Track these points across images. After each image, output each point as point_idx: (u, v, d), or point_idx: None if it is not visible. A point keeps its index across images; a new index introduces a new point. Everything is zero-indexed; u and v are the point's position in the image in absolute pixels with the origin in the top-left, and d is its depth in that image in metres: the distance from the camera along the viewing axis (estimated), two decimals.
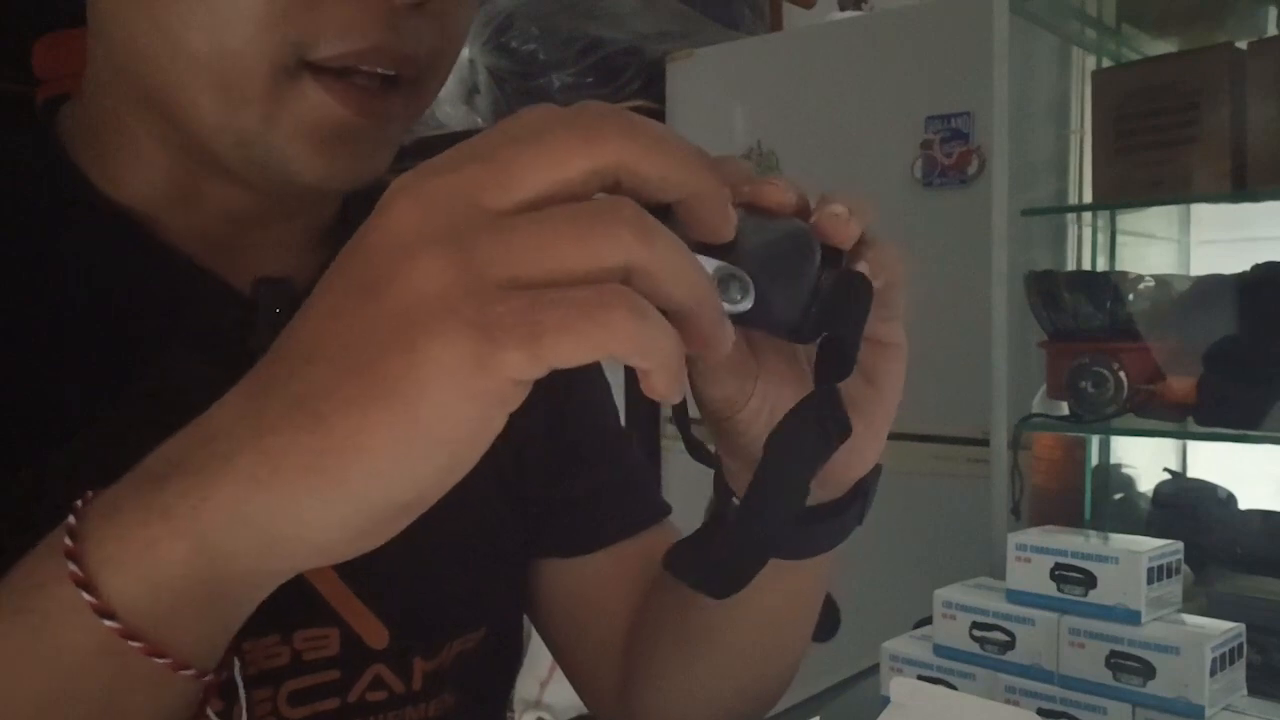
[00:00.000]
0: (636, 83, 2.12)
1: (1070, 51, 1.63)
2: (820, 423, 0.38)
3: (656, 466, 1.69)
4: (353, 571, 0.52)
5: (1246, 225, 1.64)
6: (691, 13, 2.27)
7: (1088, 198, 1.56)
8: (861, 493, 0.46)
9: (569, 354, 0.28)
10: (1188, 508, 1.50)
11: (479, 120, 2.21)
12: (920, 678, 0.83)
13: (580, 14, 2.13)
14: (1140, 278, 1.51)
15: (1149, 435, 1.53)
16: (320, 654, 0.51)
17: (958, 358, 1.55)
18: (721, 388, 0.42)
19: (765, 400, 0.42)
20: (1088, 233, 1.70)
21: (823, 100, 1.93)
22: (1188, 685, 0.72)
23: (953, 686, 0.81)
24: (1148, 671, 0.73)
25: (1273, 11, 1.53)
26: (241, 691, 0.44)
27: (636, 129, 0.30)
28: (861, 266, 0.38)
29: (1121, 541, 0.81)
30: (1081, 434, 1.58)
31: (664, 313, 0.29)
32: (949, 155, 1.77)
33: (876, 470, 0.46)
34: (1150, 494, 1.59)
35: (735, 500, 0.45)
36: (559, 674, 0.72)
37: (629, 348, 0.28)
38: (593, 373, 0.69)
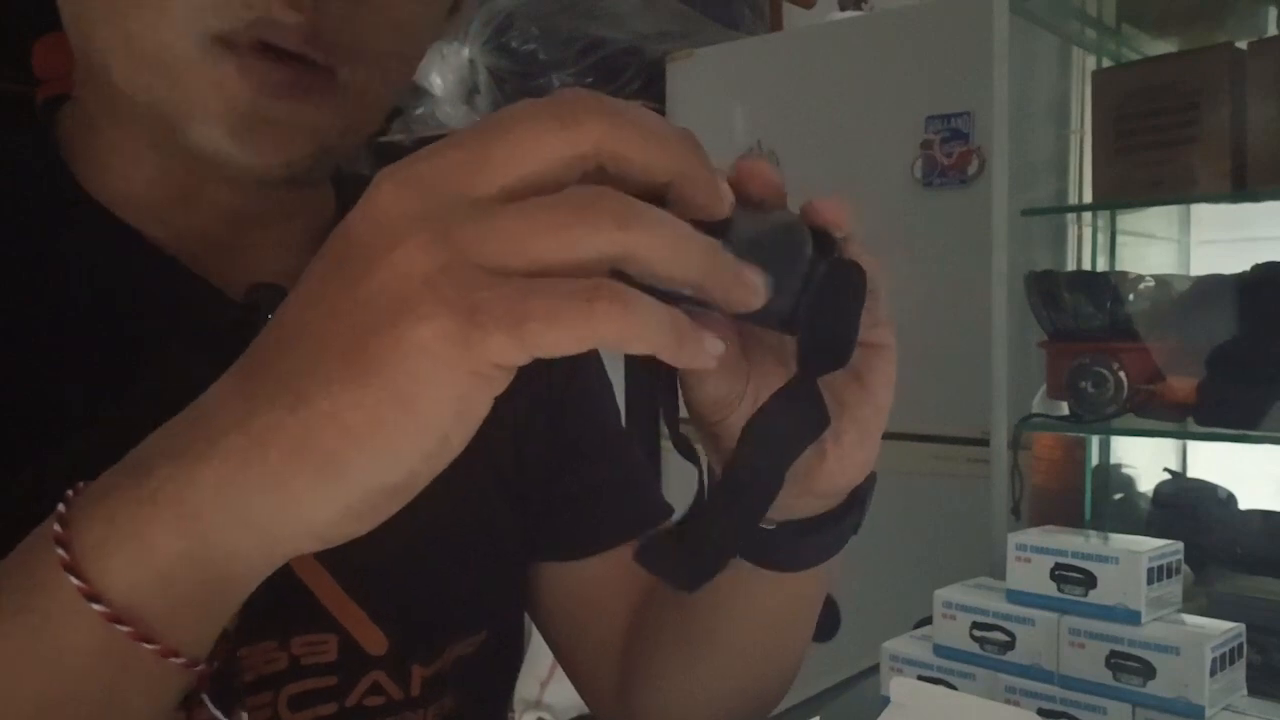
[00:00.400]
0: (636, 83, 2.12)
1: (1070, 51, 1.63)
2: (798, 412, 0.37)
3: (657, 466, 1.69)
4: (352, 577, 0.52)
5: (1246, 225, 1.65)
6: (691, 13, 2.27)
7: (1088, 198, 1.56)
8: (858, 502, 0.46)
9: (553, 343, 0.28)
10: (1188, 508, 1.50)
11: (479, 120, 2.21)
12: (920, 678, 0.83)
13: (580, 14, 2.13)
14: (1140, 278, 1.51)
15: (1149, 435, 1.53)
16: (318, 659, 0.51)
17: (958, 358, 1.56)
18: (713, 389, 0.42)
19: (755, 405, 0.42)
20: (1088, 233, 1.70)
21: (823, 100, 1.93)
22: (1188, 685, 0.72)
23: (953, 686, 0.81)
24: (1148, 671, 0.73)
25: (1273, 11, 1.53)
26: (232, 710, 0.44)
27: (615, 112, 0.30)
28: (853, 255, 0.37)
29: (1121, 541, 0.81)
30: (1081, 434, 1.58)
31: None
32: (949, 155, 1.77)
33: (872, 478, 0.46)
34: (1150, 494, 1.59)
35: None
36: (559, 674, 0.72)
37: (614, 337, 0.28)
38: (593, 371, 0.69)
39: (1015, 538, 0.83)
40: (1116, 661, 0.75)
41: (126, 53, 0.46)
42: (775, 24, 2.63)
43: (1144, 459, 1.71)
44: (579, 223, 0.28)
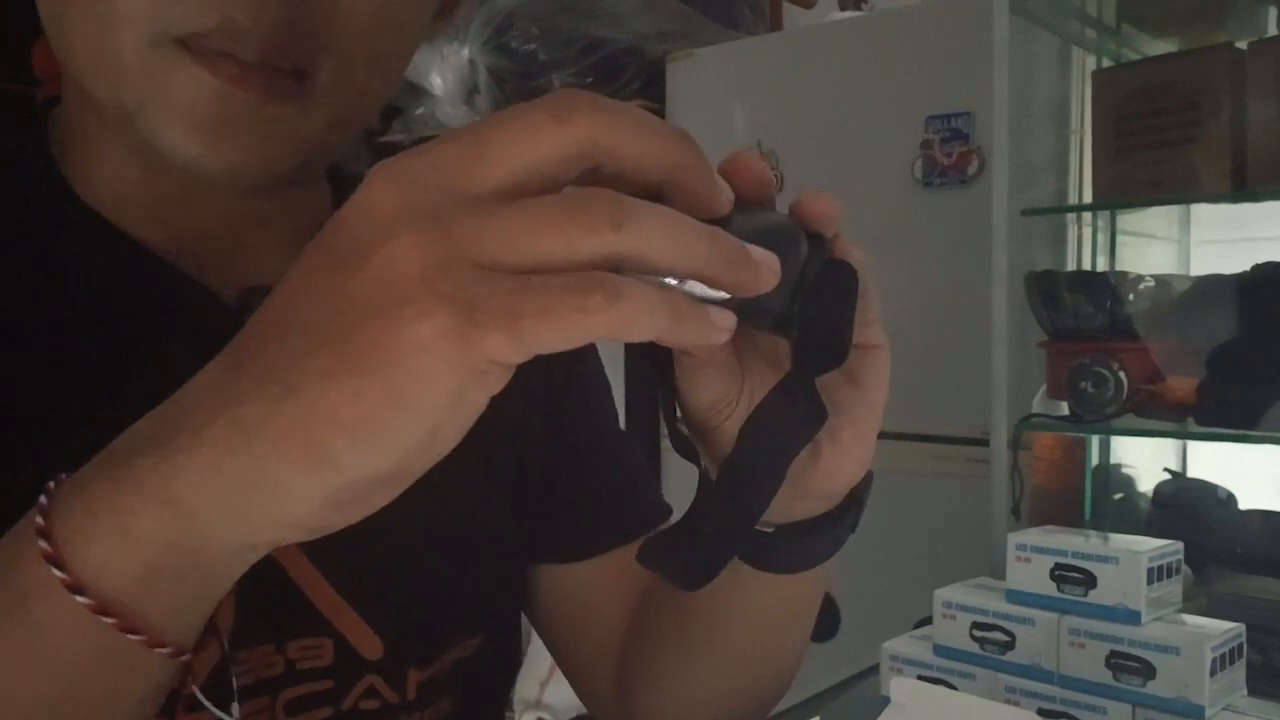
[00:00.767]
0: (636, 83, 2.12)
1: (1070, 51, 1.63)
2: (796, 408, 0.37)
3: (656, 467, 1.70)
4: (347, 581, 0.52)
5: (1246, 225, 1.65)
6: (691, 13, 2.27)
7: (1088, 198, 1.56)
8: (855, 502, 0.46)
9: (551, 339, 0.28)
10: (1188, 508, 1.50)
11: None
12: (920, 678, 0.83)
13: (580, 14, 2.13)
14: (1140, 278, 1.51)
15: (1149, 435, 1.53)
16: (314, 664, 0.51)
17: (958, 358, 1.56)
18: (708, 393, 0.41)
19: (751, 408, 0.42)
20: (1088, 233, 1.70)
21: (823, 100, 1.93)
22: (1188, 685, 0.72)
23: (953, 686, 0.81)
24: (1148, 671, 0.73)
25: (1273, 11, 1.53)
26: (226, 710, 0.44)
27: (610, 111, 0.30)
28: (844, 255, 0.37)
29: (1121, 541, 0.81)
30: (1081, 434, 1.58)
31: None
32: (949, 155, 1.77)
33: (868, 478, 0.46)
34: (1150, 494, 1.59)
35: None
36: (559, 674, 0.72)
37: (612, 329, 0.28)
38: (592, 372, 0.69)
39: (1015, 538, 0.83)
40: (1116, 661, 0.75)
41: (88, 58, 0.46)
42: (775, 24, 2.63)
43: (1144, 459, 1.71)
44: (574, 224, 0.28)
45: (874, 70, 1.87)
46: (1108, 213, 1.67)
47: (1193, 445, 1.70)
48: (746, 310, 0.33)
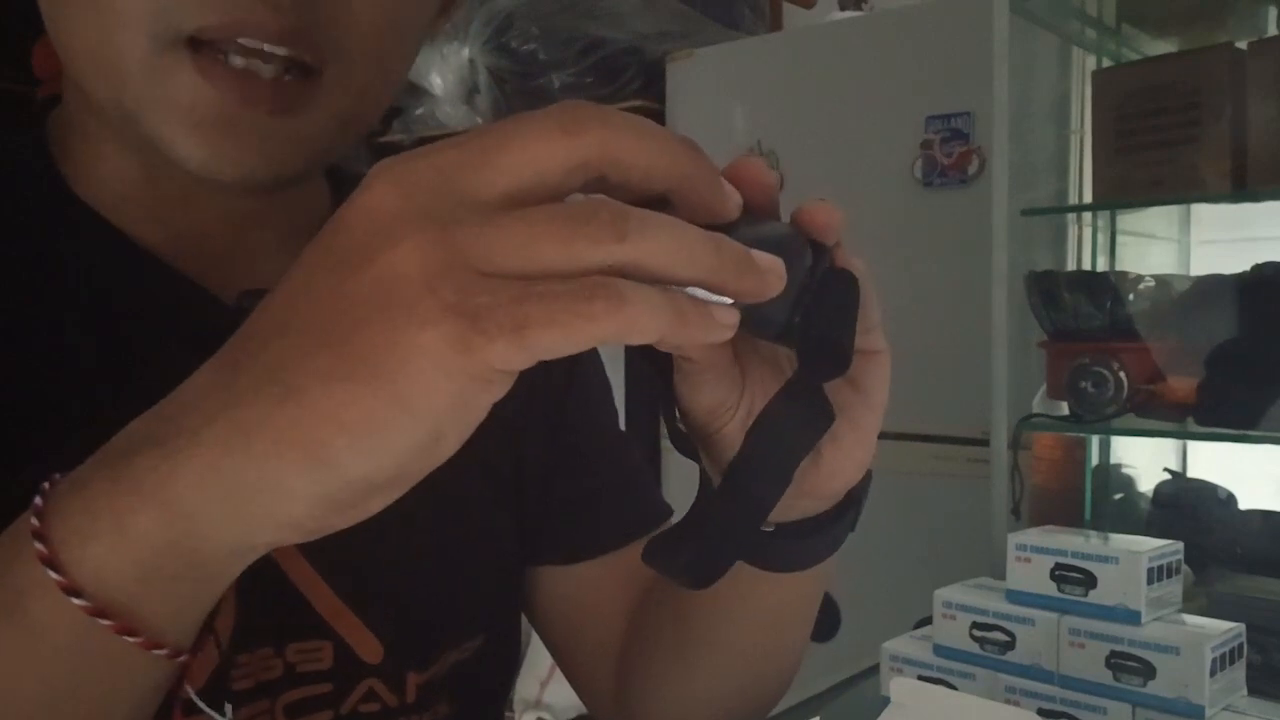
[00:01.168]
0: (636, 83, 2.12)
1: (1070, 51, 1.63)
2: (803, 411, 0.38)
3: (657, 467, 1.70)
4: (347, 584, 0.52)
5: (1246, 225, 1.65)
6: (691, 13, 2.27)
7: (1088, 198, 1.56)
8: (854, 501, 0.46)
9: (554, 346, 0.28)
10: (1188, 508, 1.50)
11: (479, 120, 2.21)
12: (920, 678, 0.83)
13: (580, 14, 2.13)
14: (1140, 278, 1.51)
15: (1149, 435, 1.53)
16: (312, 667, 0.51)
17: (958, 358, 1.56)
18: (708, 398, 0.42)
19: (751, 414, 0.42)
20: (1088, 233, 1.70)
21: (823, 100, 1.93)
22: (1188, 685, 0.72)
23: (953, 686, 0.81)
24: (1148, 671, 0.73)
25: (1273, 11, 1.53)
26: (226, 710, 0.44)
27: (616, 121, 0.30)
28: (845, 264, 0.37)
29: (1121, 541, 0.81)
30: (1081, 434, 1.58)
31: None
32: (949, 155, 1.77)
33: (867, 478, 0.46)
34: (1150, 494, 1.59)
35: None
36: (559, 674, 0.72)
37: (615, 333, 0.28)
38: (592, 373, 0.69)
39: (1015, 538, 0.83)
40: (1116, 661, 0.75)
41: (89, 59, 0.45)
42: (775, 24, 2.63)
43: (1144, 459, 1.71)
44: (578, 236, 0.28)
45: (874, 70, 1.87)
46: (1108, 213, 1.67)
47: (1193, 445, 1.70)
48: (750, 319, 0.33)
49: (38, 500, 0.32)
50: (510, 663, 0.65)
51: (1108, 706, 0.75)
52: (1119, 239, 1.72)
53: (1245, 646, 0.76)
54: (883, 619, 1.01)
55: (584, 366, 0.68)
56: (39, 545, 0.31)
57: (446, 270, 0.28)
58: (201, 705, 0.37)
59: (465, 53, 2.17)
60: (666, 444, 0.43)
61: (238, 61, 0.44)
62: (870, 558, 1.11)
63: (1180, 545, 0.81)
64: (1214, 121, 1.32)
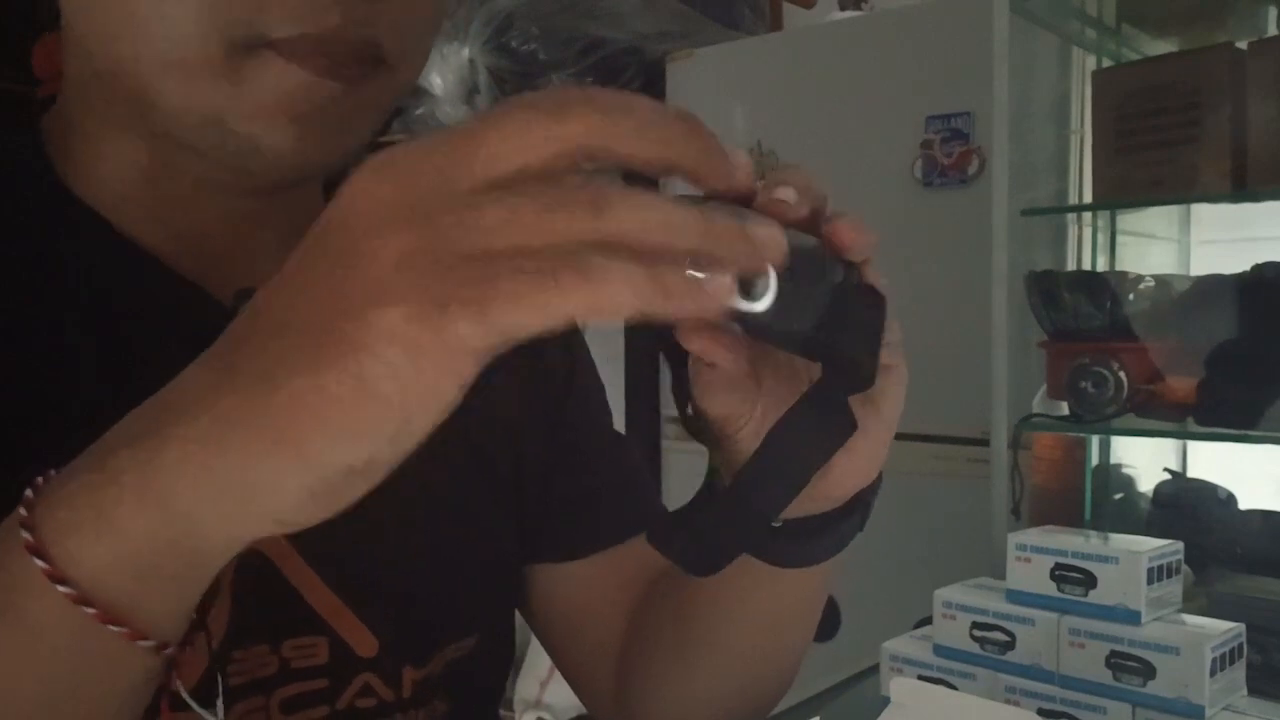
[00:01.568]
0: (636, 83, 2.12)
1: (1070, 51, 1.63)
2: (825, 419, 0.38)
3: (657, 467, 1.70)
4: (342, 579, 0.52)
5: (1246, 225, 1.65)
6: (691, 13, 2.27)
7: (1088, 198, 1.56)
8: (862, 503, 0.46)
9: (519, 323, 0.27)
10: (1188, 508, 1.50)
11: None
12: (920, 678, 0.83)
13: (580, 14, 2.13)
14: (1140, 278, 1.51)
15: (1149, 435, 1.53)
16: (308, 662, 0.51)
17: (958, 358, 1.55)
18: (721, 406, 0.42)
19: (766, 422, 0.42)
20: (1088, 233, 1.70)
21: (823, 100, 1.93)
22: (1188, 685, 0.72)
23: (953, 686, 0.81)
24: (1148, 671, 0.73)
25: (1273, 11, 1.53)
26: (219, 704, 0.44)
27: (605, 103, 0.29)
28: (871, 280, 0.38)
29: (1121, 541, 0.81)
30: (1081, 434, 1.58)
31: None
32: (949, 155, 1.77)
33: (878, 481, 0.46)
34: (1150, 494, 1.59)
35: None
36: (559, 674, 0.72)
37: (584, 308, 0.28)
38: (590, 373, 0.69)
39: (1015, 538, 0.83)
40: (1116, 661, 0.75)
41: (161, 66, 0.45)
42: (775, 24, 2.63)
43: (1144, 459, 1.71)
44: (554, 213, 0.28)
45: (874, 70, 1.87)
46: (1108, 213, 1.67)
47: (1193, 445, 1.70)
48: (776, 329, 0.33)
49: (28, 493, 0.33)
50: (506, 661, 0.65)
51: (1108, 706, 0.75)
52: (1119, 239, 1.72)
53: (1245, 646, 0.76)
54: (883, 619, 1.01)
55: (582, 367, 0.68)
56: (26, 534, 0.31)
57: (419, 253, 0.28)
58: (189, 701, 0.37)
59: (465, 53, 2.17)
60: (667, 444, 0.44)
61: (317, 55, 0.45)
62: (870, 558, 1.10)
63: (1180, 545, 0.81)
64: (1214, 121, 1.32)
